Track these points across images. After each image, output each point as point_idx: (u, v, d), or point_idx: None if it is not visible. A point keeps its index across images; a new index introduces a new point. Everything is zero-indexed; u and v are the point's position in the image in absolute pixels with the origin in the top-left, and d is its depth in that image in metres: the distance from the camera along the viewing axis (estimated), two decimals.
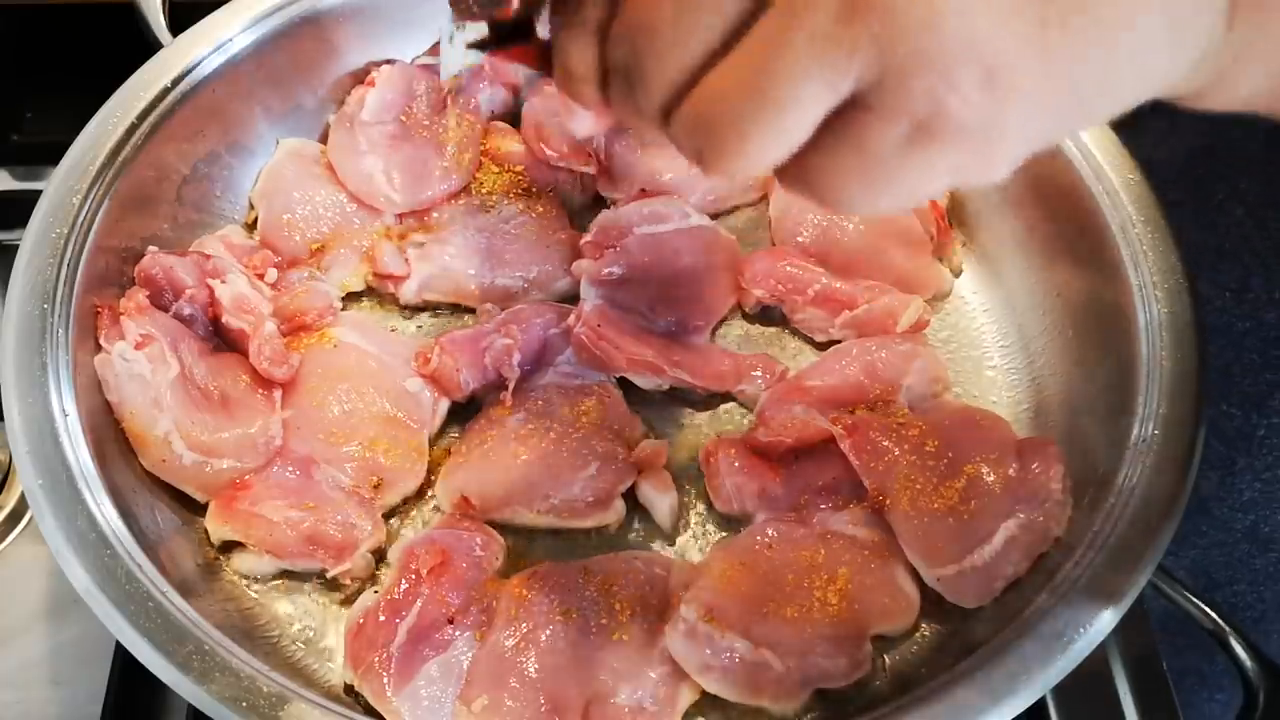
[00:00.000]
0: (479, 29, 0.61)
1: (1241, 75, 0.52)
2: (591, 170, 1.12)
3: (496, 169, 1.13)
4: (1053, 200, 1.03)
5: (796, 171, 0.49)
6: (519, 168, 1.13)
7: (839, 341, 1.02)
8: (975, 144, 0.46)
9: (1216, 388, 1.08)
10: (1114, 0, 0.44)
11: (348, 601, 0.88)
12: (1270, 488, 1.13)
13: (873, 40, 0.43)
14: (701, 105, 0.48)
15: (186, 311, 0.95)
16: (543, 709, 0.79)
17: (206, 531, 0.88)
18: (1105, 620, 0.76)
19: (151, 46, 1.02)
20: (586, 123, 0.61)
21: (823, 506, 0.91)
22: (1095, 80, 0.46)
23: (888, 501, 0.88)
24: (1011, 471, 0.89)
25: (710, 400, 1.01)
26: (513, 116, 1.18)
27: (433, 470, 0.95)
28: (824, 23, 0.43)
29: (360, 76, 1.12)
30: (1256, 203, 1.04)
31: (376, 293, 1.07)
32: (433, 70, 1.12)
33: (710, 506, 0.94)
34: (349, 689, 0.82)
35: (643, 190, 1.12)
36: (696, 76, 0.48)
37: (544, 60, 0.59)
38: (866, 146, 0.46)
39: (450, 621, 0.83)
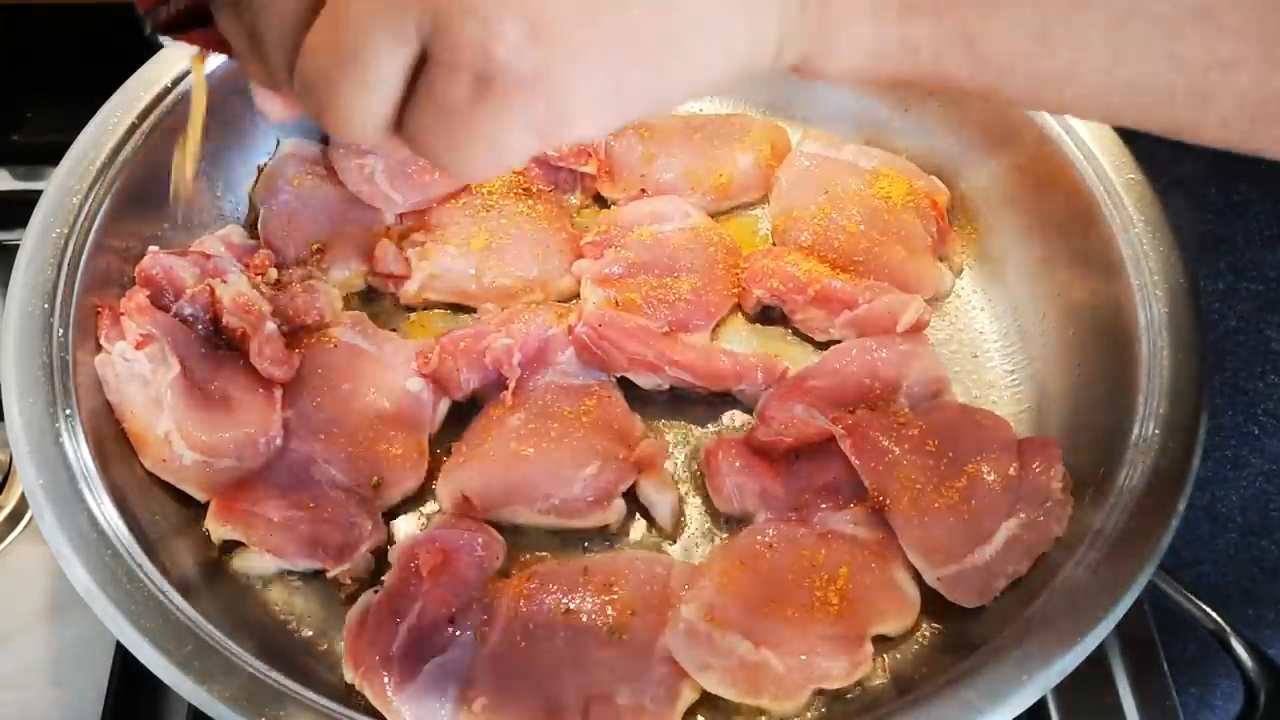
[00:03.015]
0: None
1: (834, 50, 0.51)
2: (591, 170, 1.12)
3: None
4: (1053, 200, 1.03)
5: (401, 130, 0.49)
6: (519, 168, 1.13)
7: (839, 341, 1.02)
8: (538, 97, 0.46)
9: None
10: None
11: (348, 601, 0.88)
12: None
13: None
14: (302, 63, 0.48)
15: (187, 311, 0.94)
16: (543, 709, 0.79)
17: (207, 531, 0.88)
18: (1105, 620, 0.76)
19: (152, 46, 1.02)
20: (273, 106, 0.59)
21: (823, 506, 0.91)
22: (659, 43, 0.47)
23: (888, 501, 0.88)
24: (1012, 471, 0.89)
25: (710, 400, 1.01)
26: None
27: (433, 470, 0.95)
28: None
29: None
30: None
31: (376, 293, 1.07)
32: None
33: (710, 506, 0.95)
34: (349, 689, 0.82)
35: (643, 190, 1.12)
36: (301, 36, 0.48)
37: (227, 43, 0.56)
38: (440, 99, 0.47)
39: (450, 621, 0.83)
